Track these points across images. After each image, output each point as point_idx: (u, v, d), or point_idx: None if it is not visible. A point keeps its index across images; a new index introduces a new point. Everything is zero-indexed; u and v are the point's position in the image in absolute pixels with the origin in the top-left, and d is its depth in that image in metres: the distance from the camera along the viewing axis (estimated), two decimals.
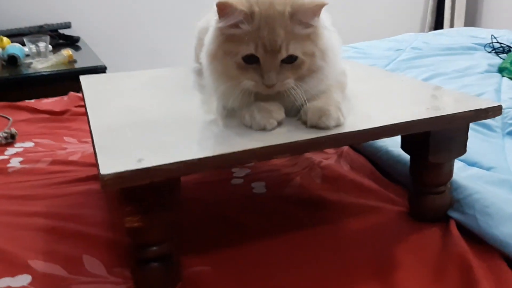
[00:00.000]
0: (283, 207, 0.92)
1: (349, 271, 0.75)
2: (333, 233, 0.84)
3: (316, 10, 0.69)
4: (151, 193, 0.64)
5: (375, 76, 1.02)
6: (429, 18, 3.61)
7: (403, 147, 0.86)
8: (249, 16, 0.68)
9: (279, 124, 0.72)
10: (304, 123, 0.70)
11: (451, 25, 3.54)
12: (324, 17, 0.74)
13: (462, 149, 0.83)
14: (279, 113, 0.72)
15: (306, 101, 0.72)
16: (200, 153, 0.63)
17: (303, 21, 0.69)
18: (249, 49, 0.68)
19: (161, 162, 0.60)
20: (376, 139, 0.98)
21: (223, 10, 0.69)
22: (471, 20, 3.57)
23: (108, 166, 0.59)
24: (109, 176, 0.58)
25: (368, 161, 1.07)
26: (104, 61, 2.32)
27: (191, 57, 1.06)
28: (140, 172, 0.59)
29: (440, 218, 0.86)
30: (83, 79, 1.01)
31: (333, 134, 0.68)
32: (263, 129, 0.70)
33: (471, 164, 0.99)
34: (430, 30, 3.56)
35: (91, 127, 0.75)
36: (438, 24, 3.61)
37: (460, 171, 0.94)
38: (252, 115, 0.71)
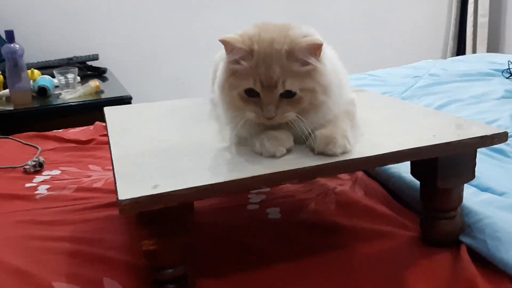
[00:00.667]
0: (297, 232, 0.94)
1: None
2: (346, 258, 0.86)
3: (313, 50, 0.73)
4: (166, 217, 0.68)
5: (386, 104, 1.05)
6: (451, 44, 3.62)
7: (413, 172, 0.88)
8: (249, 53, 0.74)
9: (288, 151, 0.75)
10: (312, 150, 0.74)
11: (474, 51, 3.53)
12: (328, 53, 0.78)
13: (471, 175, 0.84)
14: (288, 141, 0.76)
15: (313, 131, 0.75)
16: (211, 179, 0.67)
17: (301, 59, 0.73)
18: (249, 84, 0.74)
19: (175, 188, 0.64)
20: (382, 166, 1.00)
21: (226, 47, 0.75)
22: (494, 46, 3.57)
23: (126, 192, 0.64)
24: (126, 202, 0.62)
25: (382, 186, 1.09)
26: (130, 91, 2.41)
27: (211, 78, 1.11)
28: (154, 197, 0.63)
29: (452, 243, 0.87)
30: (107, 110, 1.07)
31: (340, 161, 0.71)
32: (273, 156, 0.74)
33: (484, 189, 0.99)
34: (452, 55, 3.57)
35: (112, 155, 0.79)
36: (460, 50, 3.61)
37: (473, 196, 0.95)
38: (262, 143, 0.75)
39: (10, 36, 2.15)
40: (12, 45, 2.14)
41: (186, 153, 0.80)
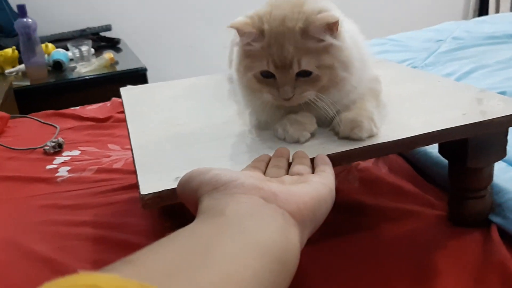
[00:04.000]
0: None
1: (387, 279, 0.75)
2: (371, 239, 0.85)
3: (328, 27, 0.68)
4: (189, 209, 0.66)
5: (410, 78, 1.00)
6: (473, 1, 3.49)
7: (441, 151, 0.85)
8: (259, 34, 0.70)
9: (312, 135, 0.73)
10: (337, 134, 0.71)
11: (497, 7, 3.40)
12: (347, 27, 0.74)
13: (502, 153, 0.81)
14: (312, 125, 0.73)
15: (338, 113, 0.72)
16: (233, 169, 0.65)
17: (316, 36, 0.69)
18: (262, 65, 0.70)
19: None
20: (410, 149, 0.97)
21: (237, 30, 0.71)
22: None
23: (148, 186, 0.62)
24: (148, 196, 0.61)
25: (407, 162, 1.06)
26: (144, 60, 2.38)
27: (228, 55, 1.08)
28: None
29: (481, 223, 0.84)
30: (123, 91, 1.05)
31: (366, 146, 0.68)
32: (297, 141, 0.71)
33: None
34: (474, 14, 3.44)
35: (132, 144, 0.78)
36: (483, 6, 3.48)
37: (502, 173, 0.91)
38: (285, 129, 0.72)
39: (22, 10, 2.13)
40: (25, 19, 2.12)
41: (206, 139, 0.77)
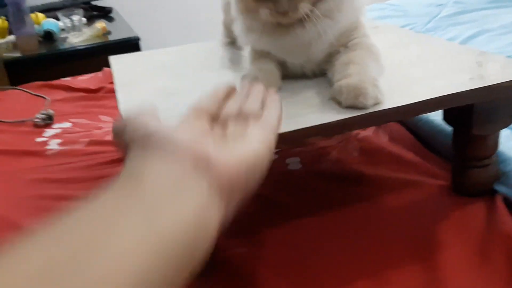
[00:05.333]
0: (319, 183, 0.90)
1: (388, 251, 0.72)
2: (372, 210, 0.82)
3: None
4: None
5: (413, 41, 0.96)
6: None
7: (445, 118, 0.81)
8: None
9: None
10: (339, 103, 0.67)
11: None
12: None
13: (509, 120, 0.77)
14: (270, 84, 0.70)
15: (335, 52, 0.73)
16: None
17: None
18: None
19: None
20: (416, 115, 0.93)
21: None
22: None
23: None
24: None
25: (408, 131, 1.03)
26: (136, 29, 2.32)
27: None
28: None
29: (485, 192, 0.81)
30: (113, 59, 1.00)
31: (371, 113, 0.64)
32: None
33: None
34: None
35: (121, 112, 0.74)
36: None
37: (508, 140, 0.88)
38: (242, 79, 0.73)
39: None
40: None
41: None
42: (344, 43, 0.76)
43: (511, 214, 0.76)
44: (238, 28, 0.81)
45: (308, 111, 0.67)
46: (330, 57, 0.76)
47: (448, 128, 0.85)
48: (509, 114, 0.77)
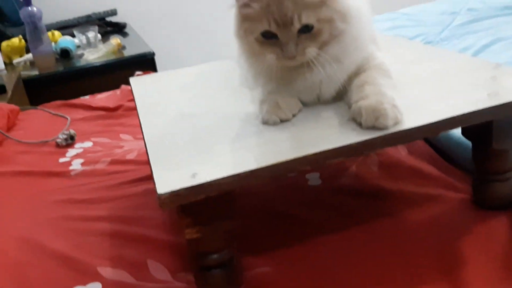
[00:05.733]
0: (340, 199, 0.91)
1: (412, 268, 0.73)
2: (393, 226, 0.82)
3: None
4: (208, 205, 0.64)
5: (428, 56, 0.96)
6: None
7: (464, 133, 0.82)
8: None
9: (286, 120, 0.74)
10: (359, 124, 0.68)
11: None
12: None
13: None
14: (289, 112, 0.74)
15: (349, 81, 0.74)
16: (252, 163, 0.62)
17: None
18: (263, 26, 0.70)
19: (214, 176, 0.60)
20: (436, 134, 0.93)
21: None
22: None
23: (164, 184, 0.60)
24: (165, 195, 0.59)
25: (427, 143, 1.03)
26: (151, 44, 2.36)
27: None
28: (194, 188, 0.60)
29: (507, 206, 0.81)
30: (133, 81, 1.03)
31: (390, 134, 0.65)
32: (265, 123, 0.73)
33: None
34: None
35: (145, 137, 0.76)
36: None
37: None
38: (261, 107, 0.75)
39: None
40: (29, 8, 2.10)
41: (220, 130, 0.75)
42: (356, 75, 0.76)
43: None
44: (246, 72, 0.81)
45: (329, 133, 0.68)
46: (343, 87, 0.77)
47: (467, 141, 0.85)
48: None
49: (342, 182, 0.96)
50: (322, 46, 0.71)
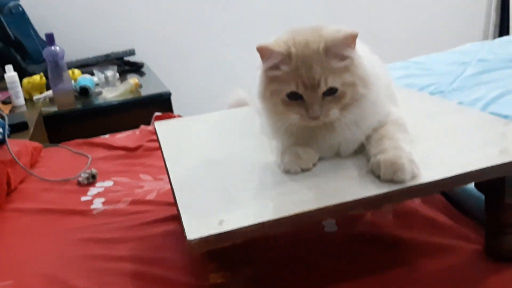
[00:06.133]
0: (355, 247, 0.93)
1: None
2: (407, 276, 0.84)
3: (349, 42, 0.74)
4: (233, 251, 0.67)
5: (442, 110, 1.00)
6: (493, 16, 3.48)
7: (477, 186, 0.85)
8: (287, 57, 0.75)
9: (307, 170, 0.78)
10: (377, 176, 0.72)
11: None
12: (361, 47, 0.79)
13: None
14: (308, 161, 0.78)
15: (368, 139, 0.78)
16: (276, 213, 0.66)
17: (338, 54, 0.74)
18: (291, 87, 0.75)
19: (240, 224, 0.64)
20: (450, 188, 0.97)
21: (263, 54, 0.76)
22: None
23: (193, 230, 0.64)
24: (195, 241, 0.62)
25: (441, 193, 1.06)
26: (167, 83, 2.43)
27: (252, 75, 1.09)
28: (222, 235, 0.63)
29: None
30: (158, 126, 1.07)
31: (409, 187, 0.69)
32: (287, 172, 0.77)
33: None
34: (494, 34, 3.43)
35: (172, 184, 0.80)
36: (503, 26, 3.47)
37: None
38: (283, 158, 0.79)
39: (50, 39, 2.18)
40: (53, 47, 2.18)
41: (244, 178, 0.79)
42: (375, 130, 0.81)
43: None
44: (267, 129, 0.85)
45: (349, 184, 0.72)
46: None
47: (479, 193, 0.88)
48: None
49: (358, 230, 0.98)
50: (344, 108, 0.76)
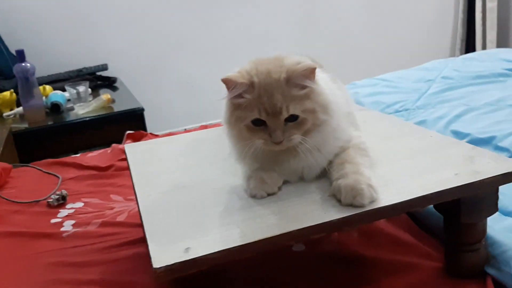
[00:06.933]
0: (323, 266, 0.96)
1: None
2: None
3: (308, 74, 0.78)
4: (199, 278, 0.69)
5: (402, 133, 1.04)
6: (460, 31, 3.59)
7: (435, 207, 0.88)
8: (250, 86, 0.79)
9: (273, 194, 0.81)
10: (338, 200, 0.75)
11: (483, 37, 3.51)
12: (321, 76, 0.84)
13: (494, 208, 0.85)
14: (274, 186, 0.82)
15: (330, 165, 0.81)
16: (241, 239, 0.68)
17: (299, 84, 0.78)
18: (254, 115, 0.78)
19: (206, 251, 0.66)
20: (408, 211, 1.01)
21: (227, 84, 0.80)
22: (505, 31, 3.54)
23: (159, 259, 0.65)
24: (161, 270, 0.64)
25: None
26: (140, 98, 2.43)
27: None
28: (188, 263, 0.65)
29: (477, 274, 0.88)
30: (128, 148, 1.09)
31: (367, 211, 0.72)
32: (253, 197, 0.81)
33: (507, 213, 0.99)
34: (461, 50, 3.54)
35: (140, 209, 0.81)
36: (469, 43, 3.59)
37: (495, 222, 0.95)
38: (248, 183, 0.82)
39: (21, 55, 2.17)
40: (23, 64, 2.16)
41: (211, 202, 0.81)
42: (336, 154, 0.84)
43: None
44: (233, 153, 0.88)
45: (312, 208, 0.75)
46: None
47: None
48: (494, 203, 0.85)
49: (325, 249, 1.01)
50: (306, 134, 0.79)
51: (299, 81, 0.77)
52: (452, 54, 3.62)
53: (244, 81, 0.78)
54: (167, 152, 1.08)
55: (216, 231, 0.72)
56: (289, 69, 0.77)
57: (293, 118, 0.78)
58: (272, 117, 0.77)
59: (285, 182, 0.85)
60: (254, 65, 0.80)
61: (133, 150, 1.09)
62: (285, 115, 0.77)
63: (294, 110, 0.77)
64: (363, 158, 0.82)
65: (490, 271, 0.87)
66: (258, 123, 0.79)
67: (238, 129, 0.82)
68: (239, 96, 0.79)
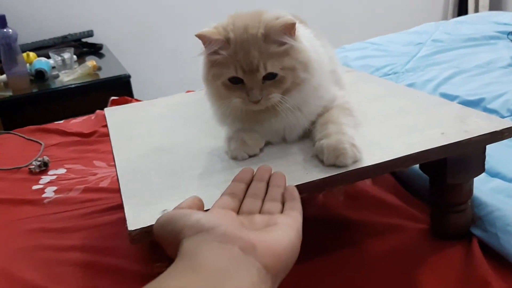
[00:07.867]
0: (307, 229, 0.93)
1: None
2: (357, 256, 0.86)
3: (287, 30, 0.73)
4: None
5: (390, 93, 1.02)
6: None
7: (421, 168, 0.87)
8: (226, 42, 0.75)
9: (254, 156, 0.79)
10: (321, 161, 0.72)
11: (476, 7, 3.45)
12: (303, 32, 0.80)
13: (481, 168, 0.83)
14: (255, 147, 0.79)
15: (314, 125, 0.79)
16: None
17: (277, 40, 0.74)
18: (231, 72, 0.75)
19: None
20: (391, 171, 0.99)
21: (203, 40, 0.76)
22: None
23: (135, 221, 0.63)
24: (136, 232, 0.62)
25: (390, 174, 1.08)
26: (127, 65, 2.38)
27: None
28: None
29: (462, 235, 0.87)
30: (108, 112, 1.05)
31: (349, 171, 0.70)
32: (235, 159, 0.78)
33: (493, 175, 0.99)
34: (453, 14, 3.49)
35: (118, 173, 0.78)
36: (462, 6, 3.53)
37: (482, 184, 0.94)
38: (229, 144, 0.79)
39: (2, 21, 2.10)
40: (5, 30, 2.10)
41: (191, 164, 0.79)
42: (320, 114, 0.82)
43: (486, 257, 0.81)
44: (213, 113, 0.85)
45: (293, 169, 0.73)
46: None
47: None
48: (481, 164, 0.83)
49: (310, 212, 0.99)
50: (286, 92, 0.76)
51: (277, 37, 0.73)
52: (445, 19, 3.56)
53: (220, 37, 0.74)
54: (148, 115, 1.05)
55: (195, 193, 0.68)
56: (267, 25, 0.73)
57: (271, 76, 0.74)
58: (249, 75, 0.74)
59: (267, 143, 0.82)
60: (231, 20, 0.76)
61: (113, 113, 1.06)
62: (262, 73, 0.73)
63: (272, 67, 0.73)
64: (346, 117, 0.80)
65: (476, 232, 0.86)
66: (236, 81, 0.75)
67: (216, 87, 0.78)
68: (215, 52, 0.75)
